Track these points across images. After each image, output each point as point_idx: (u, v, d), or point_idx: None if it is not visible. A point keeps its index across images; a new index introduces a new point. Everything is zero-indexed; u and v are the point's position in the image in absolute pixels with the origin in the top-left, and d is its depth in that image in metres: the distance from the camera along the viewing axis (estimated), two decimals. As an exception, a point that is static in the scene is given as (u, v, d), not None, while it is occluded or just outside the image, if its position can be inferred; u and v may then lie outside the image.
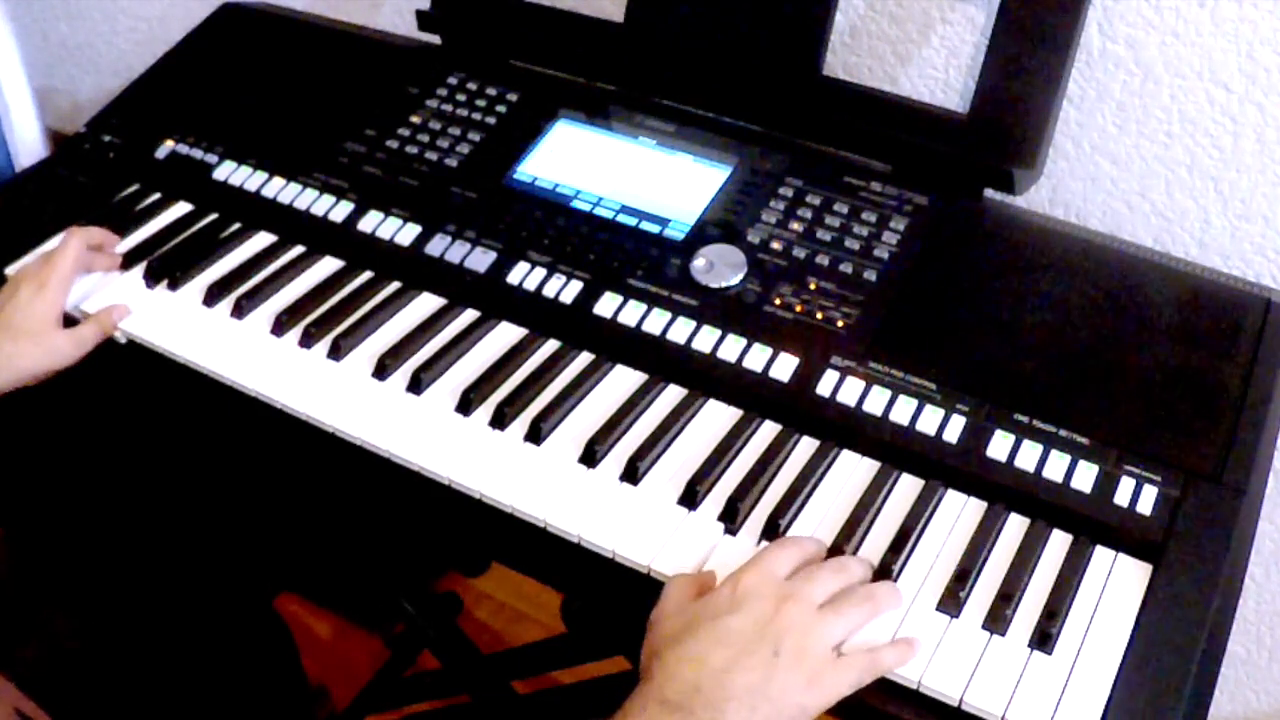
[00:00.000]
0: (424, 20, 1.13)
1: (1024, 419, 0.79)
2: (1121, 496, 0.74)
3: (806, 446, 0.81)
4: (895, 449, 0.79)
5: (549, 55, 1.08)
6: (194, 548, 1.20)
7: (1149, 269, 0.88)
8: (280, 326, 0.90)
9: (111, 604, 1.07)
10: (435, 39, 1.15)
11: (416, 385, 0.84)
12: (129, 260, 0.97)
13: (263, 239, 0.99)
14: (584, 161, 0.99)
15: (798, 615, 0.65)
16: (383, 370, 0.86)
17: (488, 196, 0.98)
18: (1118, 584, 0.72)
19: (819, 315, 0.86)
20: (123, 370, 0.92)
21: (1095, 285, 0.86)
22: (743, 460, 0.79)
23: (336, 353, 0.87)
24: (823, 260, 0.89)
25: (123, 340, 0.91)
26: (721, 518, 0.75)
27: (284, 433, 0.84)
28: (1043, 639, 0.68)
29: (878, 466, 0.79)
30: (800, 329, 0.85)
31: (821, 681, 0.64)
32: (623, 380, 0.86)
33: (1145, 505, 0.74)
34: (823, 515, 0.76)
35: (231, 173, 1.04)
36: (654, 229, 0.93)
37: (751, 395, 0.83)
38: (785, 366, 0.83)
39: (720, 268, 0.89)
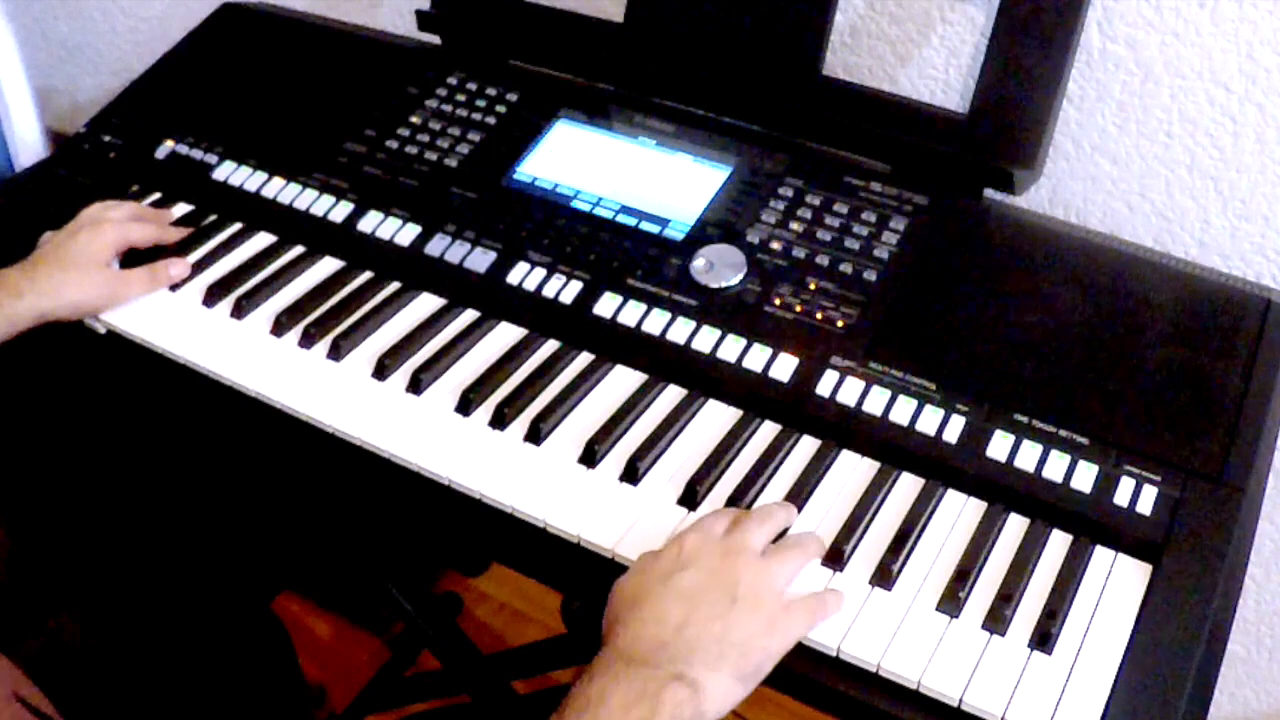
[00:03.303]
0: (424, 20, 1.13)
1: (1024, 419, 0.78)
2: (1121, 496, 0.74)
3: (806, 446, 0.81)
4: (895, 449, 0.79)
5: (549, 55, 1.08)
6: (193, 548, 1.20)
7: (1149, 269, 0.88)
8: (280, 326, 0.90)
9: (111, 603, 1.07)
10: (435, 39, 1.15)
11: (416, 385, 0.84)
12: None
13: (263, 239, 0.99)
14: (584, 161, 0.99)
15: (744, 563, 0.67)
16: (383, 370, 0.86)
17: (488, 196, 0.98)
18: (1118, 584, 0.72)
19: (819, 315, 0.86)
20: (123, 370, 0.92)
21: (1095, 285, 0.86)
22: (743, 460, 0.79)
23: (336, 353, 0.87)
24: (822, 260, 0.89)
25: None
26: (721, 518, 0.75)
27: (284, 433, 0.84)
28: (1043, 639, 0.68)
29: (878, 466, 0.79)
30: (800, 329, 0.85)
31: (780, 624, 0.66)
32: (623, 380, 0.86)
33: (1145, 505, 0.74)
34: (823, 515, 0.76)
35: (231, 173, 1.04)
36: (654, 229, 0.93)
37: (751, 395, 0.83)
38: (785, 366, 0.83)
39: (720, 268, 0.89)
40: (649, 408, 0.83)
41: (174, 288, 0.94)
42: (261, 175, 1.03)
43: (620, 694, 0.61)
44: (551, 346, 0.88)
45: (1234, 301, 0.84)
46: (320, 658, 1.55)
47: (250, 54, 1.17)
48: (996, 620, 0.69)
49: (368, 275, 0.95)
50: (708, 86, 1.01)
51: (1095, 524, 0.74)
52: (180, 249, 0.97)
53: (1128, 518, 0.73)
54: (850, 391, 0.81)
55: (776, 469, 0.79)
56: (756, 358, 0.84)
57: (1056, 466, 0.76)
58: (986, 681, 0.66)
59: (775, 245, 0.90)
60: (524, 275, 0.91)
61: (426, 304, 0.93)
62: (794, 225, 0.91)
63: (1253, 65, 0.91)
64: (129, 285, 0.92)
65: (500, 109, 1.04)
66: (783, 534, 0.74)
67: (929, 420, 0.79)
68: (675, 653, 0.62)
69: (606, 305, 0.88)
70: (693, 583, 0.66)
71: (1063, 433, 0.77)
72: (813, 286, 0.87)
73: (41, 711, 0.84)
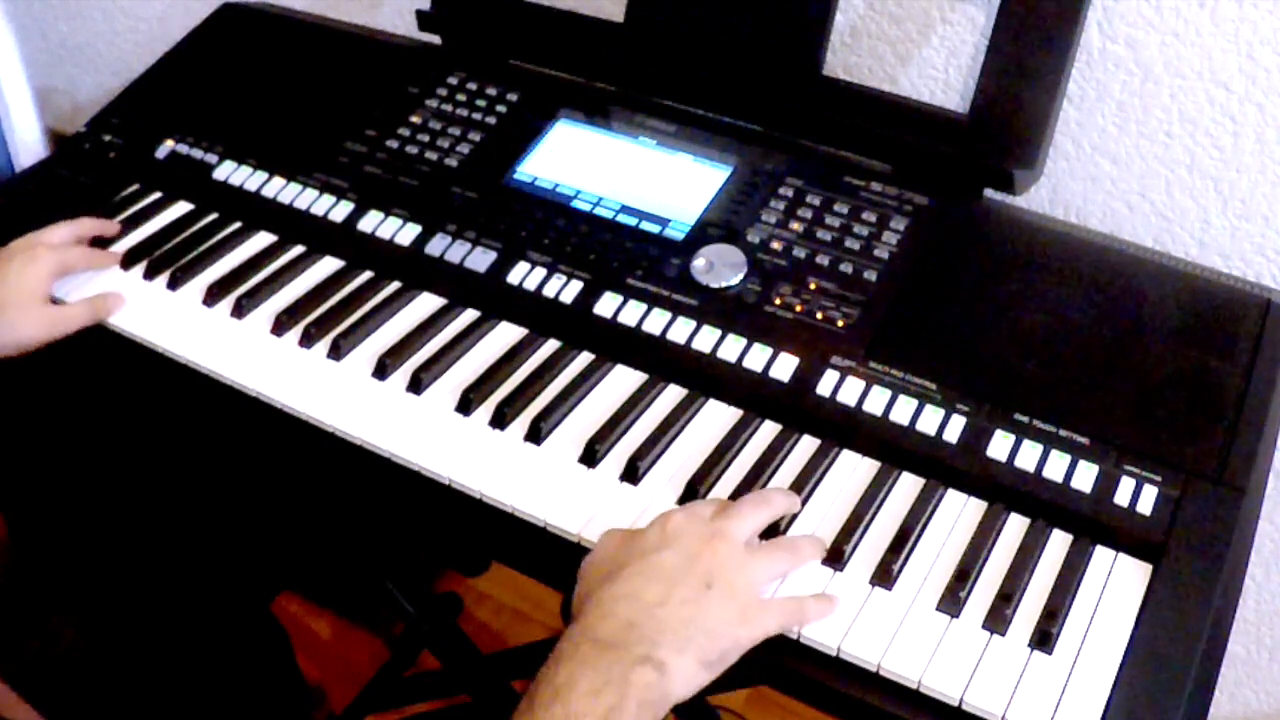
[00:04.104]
0: (424, 20, 1.13)
1: (1024, 419, 0.78)
2: (1121, 496, 0.74)
3: (806, 446, 0.81)
4: (895, 449, 0.79)
5: (549, 55, 1.08)
6: (193, 548, 1.20)
7: (1149, 269, 0.88)
8: (280, 326, 0.90)
9: (111, 604, 1.07)
10: (435, 39, 1.15)
11: (416, 385, 0.84)
12: (129, 260, 0.97)
13: (263, 239, 0.99)
14: (584, 161, 0.99)
15: (726, 551, 0.67)
16: (383, 370, 0.86)
17: (488, 196, 0.98)
18: (1118, 584, 0.72)
19: (819, 315, 0.86)
20: (123, 370, 0.92)
21: (1095, 285, 0.86)
22: (743, 460, 0.79)
23: (336, 353, 0.87)
24: (823, 260, 0.89)
25: (120, 330, 0.91)
26: (721, 517, 0.75)
27: (284, 433, 0.84)
28: (1043, 639, 0.68)
29: (878, 466, 0.79)
30: (800, 329, 0.85)
31: (752, 616, 0.65)
32: (623, 380, 0.86)
33: (1145, 505, 0.74)
34: (823, 515, 0.76)
35: (231, 173, 1.04)
36: (654, 229, 0.93)
37: (751, 395, 0.83)
38: (785, 366, 0.83)
39: (720, 268, 0.89)
40: (649, 407, 0.83)
41: (174, 287, 0.94)
42: (261, 175, 1.03)
43: (588, 679, 0.60)
44: (552, 346, 0.88)
45: (1234, 301, 0.84)
46: (320, 658, 1.55)
47: (250, 54, 1.17)
48: (997, 620, 0.69)
49: (368, 275, 0.95)
50: (708, 86, 1.01)
51: (1095, 524, 0.74)
52: (185, 248, 0.97)
53: (1128, 518, 0.73)
54: (850, 391, 0.81)
55: (776, 469, 0.79)
56: (757, 358, 0.84)
57: (1057, 466, 0.76)
58: (987, 681, 0.66)
59: (775, 245, 0.90)
60: (524, 275, 0.91)
61: (427, 304, 0.93)
62: (794, 225, 0.91)
63: (1253, 65, 0.91)
64: (68, 321, 0.90)
65: (500, 109, 1.04)
66: (785, 527, 0.74)
67: (929, 420, 0.79)
68: (644, 633, 0.62)
69: (607, 305, 0.89)
70: (671, 563, 0.66)
71: (1063, 433, 0.78)
72: (813, 286, 0.88)
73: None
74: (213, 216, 1.01)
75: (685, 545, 0.67)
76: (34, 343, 0.89)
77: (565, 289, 0.90)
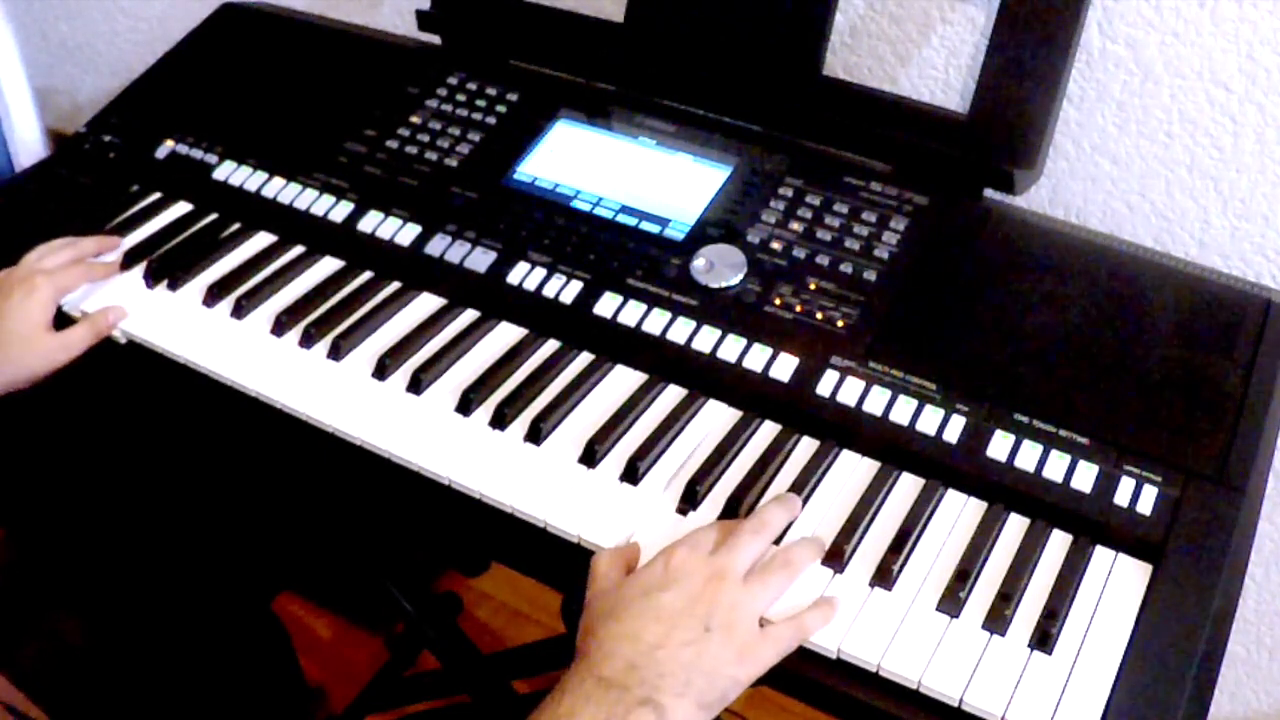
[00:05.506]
0: (424, 20, 1.13)
1: (1024, 419, 0.79)
2: (1121, 496, 0.74)
3: (806, 446, 0.81)
4: (895, 449, 0.79)
5: (549, 55, 1.08)
6: (193, 548, 1.20)
7: (1149, 269, 0.88)
8: (280, 326, 0.90)
9: (111, 603, 1.07)
10: (435, 39, 1.15)
11: (416, 385, 0.84)
12: (129, 260, 0.97)
13: (263, 239, 0.99)
14: (584, 161, 0.99)
15: (725, 590, 0.67)
16: (383, 370, 0.86)
17: (488, 196, 0.98)
18: (1118, 584, 0.72)
19: (819, 315, 0.86)
20: (123, 370, 0.92)
21: (1095, 285, 0.86)
22: (743, 460, 0.79)
23: (336, 353, 0.87)
24: (823, 260, 0.89)
25: (123, 340, 0.91)
26: (721, 518, 0.75)
27: (284, 433, 0.84)
28: (1043, 639, 0.68)
29: (878, 466, 0.79)
30: (800, 329, 0.85)
31: (751, 654, 0.66)
32: (623, 380, 0.86)
33: (1145, 505, 0.74)
34: (823, 515, 0.76)
35: (231, 173, 1.04)
36: (654, 229, 0.93)
37: (751, 395, 0.83)
38: (785, 366, 0.83)
39: (720, 268, 0.89)
40: (649, 408, 0.83)
41: (174, 288, 0.94)
42: (261, 175, 1.03)
43: (589, 715, 0.62)
44: (552, 346, 0.88)
45: (1234, 301, 0.84)
46: (320, 658, 1.55)
47: (250, 54, 1.17)
48: (996, 620, 0.69)
49: (368, 275, 0.95)
50: (708, 86, 1.01)
51: (1095, 524, 0.74)
52: (185, 248, 0.97)
53: (1128, 518, 0.73)
54: (850, 391, 0.81)
55: (777, 469, 0.79)
56: (756, 358, 0.84)
57: (1056, 466, 0.76)
58: (987, 681, 0.66)
59: (775, 245, 0.90)
60: (524, 275, 0.91)
61: (427, 304, 0.93)
62: (794, 225, 0.91)
63: (1253, 65, 0.91)
64: (72, 346, 0.89)
65: (500, 109, 1.04)
66: (784, 530, 0.74)
67: (929, 420, 0.79)
68: (645, 675, 0.63)
69: (607, 305, 0.89)
70: (671, 604, 0.66)
71: (1063, 433, 0.78)
72: (813, 286, 0.88)
73: (29, 717, 0.84)
74: (213, 217, 1.02)
75: (686, 586, 0.67)
76: (41, 374, 0.89)
77: (565, 289, 0.90)
